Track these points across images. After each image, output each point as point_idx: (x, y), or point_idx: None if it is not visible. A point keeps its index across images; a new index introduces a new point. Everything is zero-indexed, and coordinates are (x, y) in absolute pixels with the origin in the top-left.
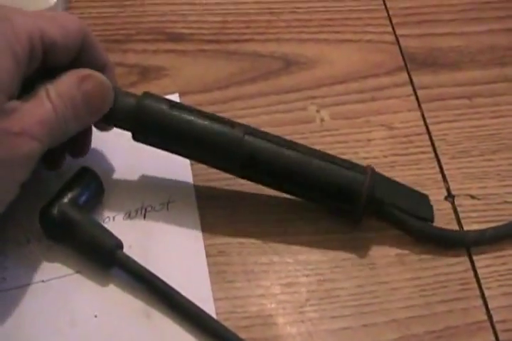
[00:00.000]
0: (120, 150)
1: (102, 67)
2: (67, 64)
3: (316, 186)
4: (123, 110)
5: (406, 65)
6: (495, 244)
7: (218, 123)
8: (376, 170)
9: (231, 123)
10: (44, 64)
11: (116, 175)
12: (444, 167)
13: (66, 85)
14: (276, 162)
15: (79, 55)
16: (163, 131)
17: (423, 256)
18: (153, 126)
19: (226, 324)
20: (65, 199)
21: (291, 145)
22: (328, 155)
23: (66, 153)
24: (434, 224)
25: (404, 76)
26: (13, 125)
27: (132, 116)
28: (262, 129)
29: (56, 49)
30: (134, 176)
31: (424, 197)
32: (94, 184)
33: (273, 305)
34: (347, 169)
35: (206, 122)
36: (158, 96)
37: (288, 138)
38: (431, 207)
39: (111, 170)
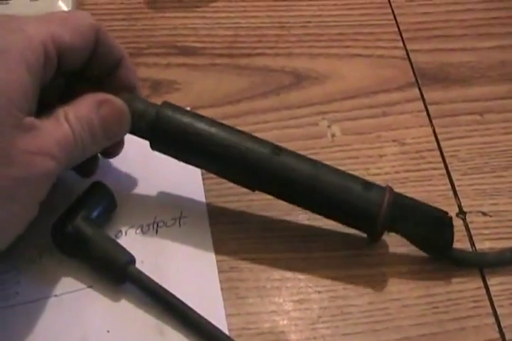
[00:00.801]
0: (132, 166)
1: (118, 61)
2: (82, 64)
3: (331, 207)
4: (141, 118)
5: (417, 80)
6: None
7: (238, 137)
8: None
9: (255, 139)
10: (60, 67)
11: (128, 190)
12: (456, 183)
13: (84, 109)
14: (295, 180)
15: (94, 52)
16: (182, 142)
17: (435, 274)
18: (172, 137)
19: (238, 340)
20: (78, 214)
21: (310, 162)
22: (346, 174)
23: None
24: None
25: (416, 91)
26: (30, 143)
27: (151, 125)
28: None
29: (70, 51)
30: (146, 191)
31: (445, 216)
32: (107, 198)
33: (285, 322)
34: (365, 190)
35: (225, 135)
36: (177, 106)
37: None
38: (451, 228)
39: (123, 184)
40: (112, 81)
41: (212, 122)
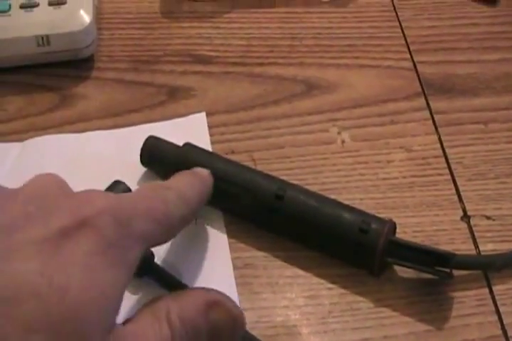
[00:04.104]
0: None
1: None
2: None
3: (331, 251)
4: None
5: (423, 90)
6: None
7: (250, 179)
8: (395, 190)
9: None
10: None
11: None
12: (461, 188)
13: (191, 310)
14: (295, 226)
15: None
16: None
17: None
18: None
19: (253, 333)
20: None
21: (311, 206)
22: (345, 216)
23: None
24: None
25: (422, 101)
26: None
27: (174, 164)
28: (285, 150)
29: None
30: None
31: (446, 254)
32: None
33: (297, 316)
34: (361, 233)
35: (239, 177)
36: (197, 147)
37: (310, 158)
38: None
39: (141, 184)
40: None
41: (227, 162)
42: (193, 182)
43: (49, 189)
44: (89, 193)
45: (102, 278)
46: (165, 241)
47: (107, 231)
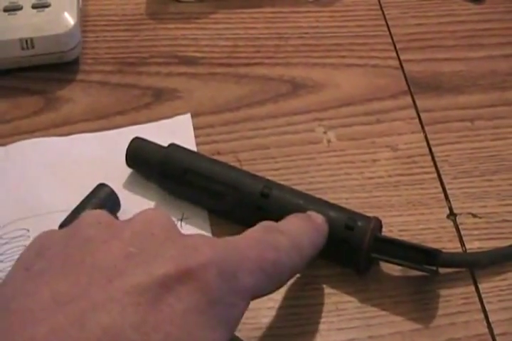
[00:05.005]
0: None
1: None
2: None
3: None
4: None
5: (410, 88)
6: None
7: (235, 175)
8: (381, 190)
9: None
10: None
11: (132, 192)
12: (447, 187)
13: None
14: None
15: None
16: (185, 181)
17: None
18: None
19: (238, 334)
20: None
21: (296, 204)
22: (331, 213)
23: None
24: (438, 241)
25: (408, 99)
26: None
27: (159, 165)
28: (271, 150)
29: None
30: (149, 193)
31: (433, 250)
32: (111, 200)
33: (283, 317)
34: (347, 230)
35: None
36: (182, 147)
37: (295, 158)
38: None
39: (127, 186)
40: None
41: (212, 161)
42: (308, 229)
43: (155, 228)
44: (195, 239)
45: (200, 338)
46: (270, 293)
47: (211, 287)
